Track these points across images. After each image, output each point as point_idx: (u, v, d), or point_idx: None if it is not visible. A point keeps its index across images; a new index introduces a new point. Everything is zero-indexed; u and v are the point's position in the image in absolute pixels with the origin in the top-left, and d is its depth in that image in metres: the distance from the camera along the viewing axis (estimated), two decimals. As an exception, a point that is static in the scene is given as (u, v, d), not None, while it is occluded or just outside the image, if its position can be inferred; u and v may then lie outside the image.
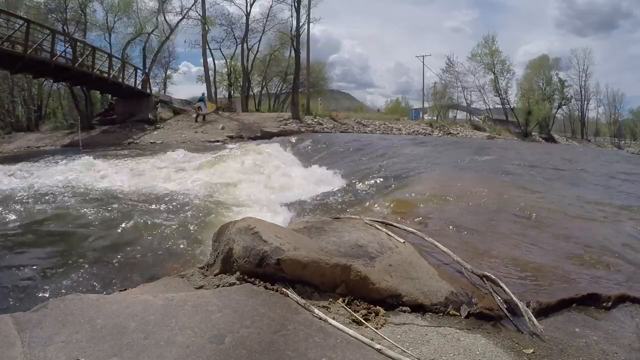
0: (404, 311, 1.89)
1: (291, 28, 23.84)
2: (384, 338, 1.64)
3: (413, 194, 4.71)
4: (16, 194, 5.55)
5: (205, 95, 21.50)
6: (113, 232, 4.06)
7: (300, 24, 21.89)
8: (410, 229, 2.82)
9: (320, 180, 7.06)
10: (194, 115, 19.06)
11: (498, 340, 1.69)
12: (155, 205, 5.01)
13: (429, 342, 1.64)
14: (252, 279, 2.03)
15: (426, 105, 37.39)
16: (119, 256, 3.49)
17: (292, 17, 24.14)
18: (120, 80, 18.15)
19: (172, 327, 1.58)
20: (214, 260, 2.27)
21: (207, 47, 24.35)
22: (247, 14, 26.79)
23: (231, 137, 16.31)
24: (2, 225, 4.17)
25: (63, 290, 2.85)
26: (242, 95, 27.66)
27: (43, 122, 24.11)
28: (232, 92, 28.57)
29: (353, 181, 6.59)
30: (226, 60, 29.65)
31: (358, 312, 1.83)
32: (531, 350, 1.62)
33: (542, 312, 1.92)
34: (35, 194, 5.53)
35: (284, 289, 1.94)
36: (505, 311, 1.86)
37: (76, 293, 2.42)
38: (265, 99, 34.22)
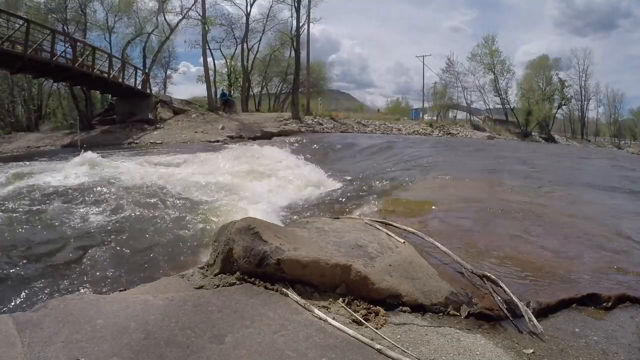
0: (404, 311, 1.89)
1: (291, 28, 23.97)
2: (384, 338, 1.64)
3: (413, 194, 4.71)
4: (14, 193, 5.54)
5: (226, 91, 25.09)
6: (112, 231, 4.06)
7: (300, 24, 21.95)
8: (410, 229, 2.82)
9: (320, 180, 7.06)
10: (225, 111, 21.70)
11: (498, 341, 1.69)
12: (154, 204, 5.01)
13: (429, 342, 1.64)
14: (252, 279, 2.03)
15: (426, 105, 37.48)
16: (119, 256, 3.49)
17: (292, 17, 24.27)
18: (120, 80, 18.13)
19: (172, 327, 1.58)
20: (214, 260, 2.26)
21: (207, 47, 24.34)
22: (247, 14, 26.86)
23: (231, 137, 16.31)
24: (1, 225, 4.17)
25: (63, 290, 2.84)
26: (242, 95, 27.67)
27: (43, 122, 24.10)
28: (232, 92, 28.58)
29: (353, 181, 6.59)
30: (226, 60, 29.68)
31: (358, 312, 1.83)
32: (531, 350, 1.62)
33: (542, 312, 1.92)
34: (33, 193, 5.52)
35: (284, 289, 1.94)
36: (505, 311, 1.86)
37: (76, 293, 2.42)
38: (265, 99, 34.23)
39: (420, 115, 33.65)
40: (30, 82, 22.76)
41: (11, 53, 13.05)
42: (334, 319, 1.74)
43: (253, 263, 2.04)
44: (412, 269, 2.12)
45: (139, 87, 19.77)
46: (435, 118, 34.77)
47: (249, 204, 5.20)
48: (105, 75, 17.14)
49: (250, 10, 26.88)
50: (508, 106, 34.34)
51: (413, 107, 39.30)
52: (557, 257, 2.60)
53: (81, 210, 4.69)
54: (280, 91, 34.07)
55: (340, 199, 5.33)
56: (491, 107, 35.42)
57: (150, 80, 22.77)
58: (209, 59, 26.56)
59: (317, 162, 9.53)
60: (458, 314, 1.88)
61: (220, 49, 28.92)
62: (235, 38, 28.75)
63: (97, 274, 3.17)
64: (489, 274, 2.07)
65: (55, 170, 7.55)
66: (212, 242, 2.52)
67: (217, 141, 15.49)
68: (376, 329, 1.72)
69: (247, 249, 2.08)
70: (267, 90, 34.18)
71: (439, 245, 2.47)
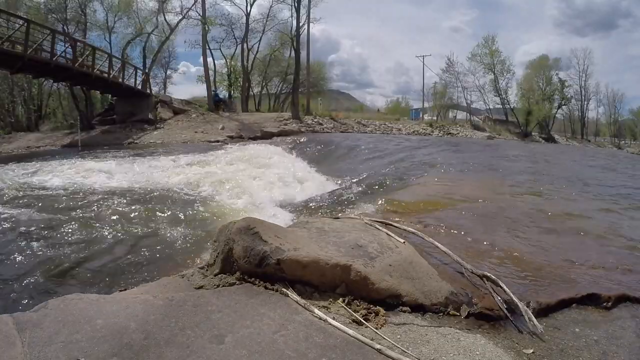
0: (404, 311, 1.89)
1: (291, 28, 23.98)
2: (384, 338, 1.64)
3: (413, 195, 4.71)
4: (15, 193, 5.54)
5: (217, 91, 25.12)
6: (113, 232, 4.06)
7: (300, 24, 21.95)
8: (410, 229, 2.82)
9: (320, 180, 7.06)
10: (224, 110, 22.00)
11: (498, 340, 1.69)
12: (154, 205, 5.01)
13: (429, 342, 1.64)
14: (252, 279, 2.03)
15: (426, 105, 37.47)
16: (119, 256, 3.49)
17: (292, 17, 24.27)
18: (120, 80, 18.12)
19: (172, 327, 1.58)
20: (214, 260, 2.26)
21: (207, 47, 24.33)
22: (247, 14, 26.86)
23: (231, 137, 16.30)
24: (1, 226, 4.17)
25: (63, 290, 2.84)
26: (242, 95, 27.67)
27: (43, 122, 24.08)
28: (232, 92, 28.57)
29: (353, 181, 6.59)
30: (226, 60, 29.69)
31: (358, 312, 1.83)
32: (531, 350, 1.62)
33: (542, 312, 1.92)
34: (32, 194, 5.52)
35: (284, 289, 1.94)
36: (505, 311, 1.86)
37: (76, 293, 2.41)
38: (265, 99, 34.22)
39: (420, 115, 33.65)
40: (30, 82, 22.74)
41: (11, 53, 13.04)
42: (334, 319, 1.74)
43: (253, 263, 2.04)
44: (412, 269, 2.12)
45: (139, 87, 19.76)
46: (435, 118, 34.76)
47: (248, 204, 5.21)
48: (105, 75, 17.13)
49: (250, 10, 26.91)
50: (508, 106, 34.34)
51: (413, 107, 39.33)
52: (557, 257, 2.60)
53: (81, 210, 4.69)
54: (280, 91, 34.06)
55: (341, 199, 5.32)
56: (491, 107, 35.41)
57: (150, 80, 22.76)
58: (209, 59, 26.61)
59: (317, 162, 9.53)
60: (458, 314, 1.88)
61: (220, 49, 28.99)
62: (235, 38, 28.79)
63: (97, 274, 3.17)
64: (489, 274, 2.07)
65: (59, 170, 7.56)
66: (212, 242, 2.53)
67: (217, 141, 15.48)
68: (376, 329, 1.72)
69: (247, 249, 2.08)
70: (267, 90, 34.19)
71: (439, 245, 2.47)
